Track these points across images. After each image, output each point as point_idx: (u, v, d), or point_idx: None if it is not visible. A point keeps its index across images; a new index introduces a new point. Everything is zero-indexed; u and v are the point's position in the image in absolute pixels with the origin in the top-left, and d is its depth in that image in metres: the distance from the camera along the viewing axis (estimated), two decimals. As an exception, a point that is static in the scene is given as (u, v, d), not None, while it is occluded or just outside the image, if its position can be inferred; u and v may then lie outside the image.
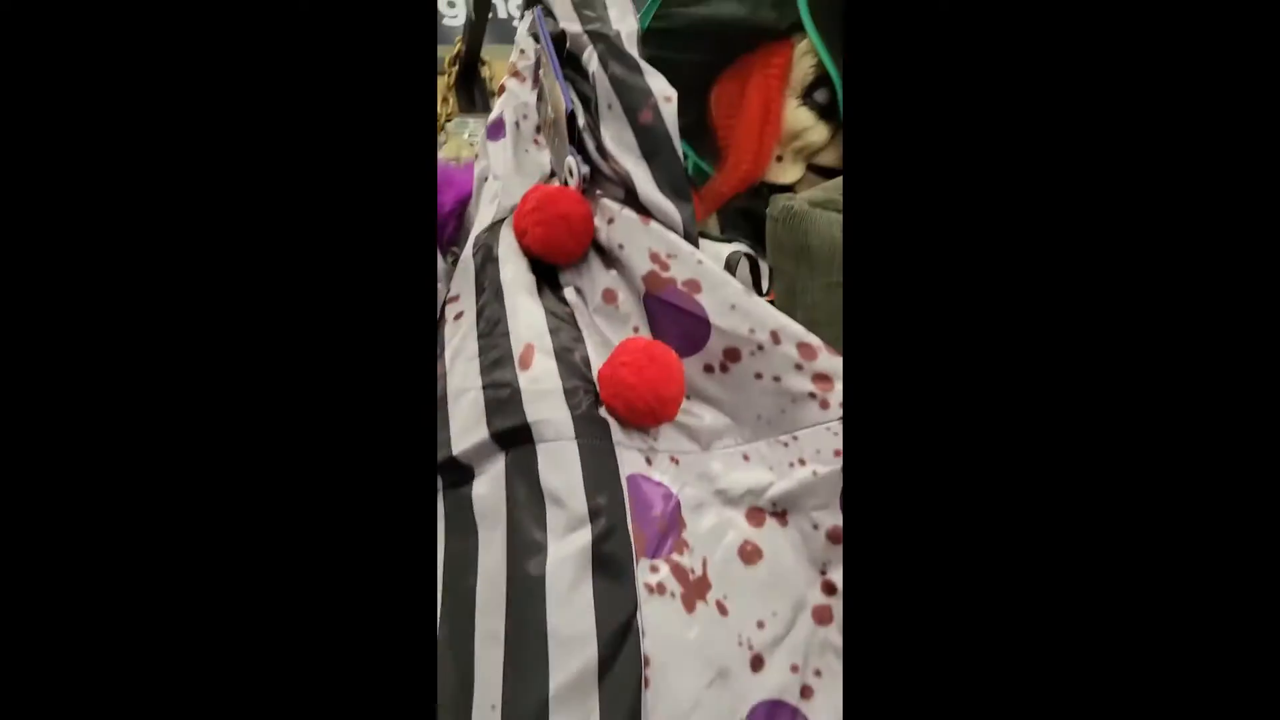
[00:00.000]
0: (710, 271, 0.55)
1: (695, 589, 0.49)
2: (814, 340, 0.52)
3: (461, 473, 0.52)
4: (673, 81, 0.59)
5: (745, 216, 0.76)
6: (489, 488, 0.50)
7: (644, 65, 0.60)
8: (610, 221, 0.60)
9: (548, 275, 0.61)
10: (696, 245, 0.58)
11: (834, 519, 0.51)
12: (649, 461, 0.52)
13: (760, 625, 0.49)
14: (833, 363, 0.52)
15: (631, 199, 0.59)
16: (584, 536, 0.47)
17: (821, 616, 0.50)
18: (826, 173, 0.77)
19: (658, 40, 0.73)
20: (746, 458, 0.54)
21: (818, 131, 0.75)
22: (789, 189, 0.78)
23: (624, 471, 0.50)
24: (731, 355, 0.54)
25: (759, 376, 0.53)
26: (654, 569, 0.48)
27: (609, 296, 0.59)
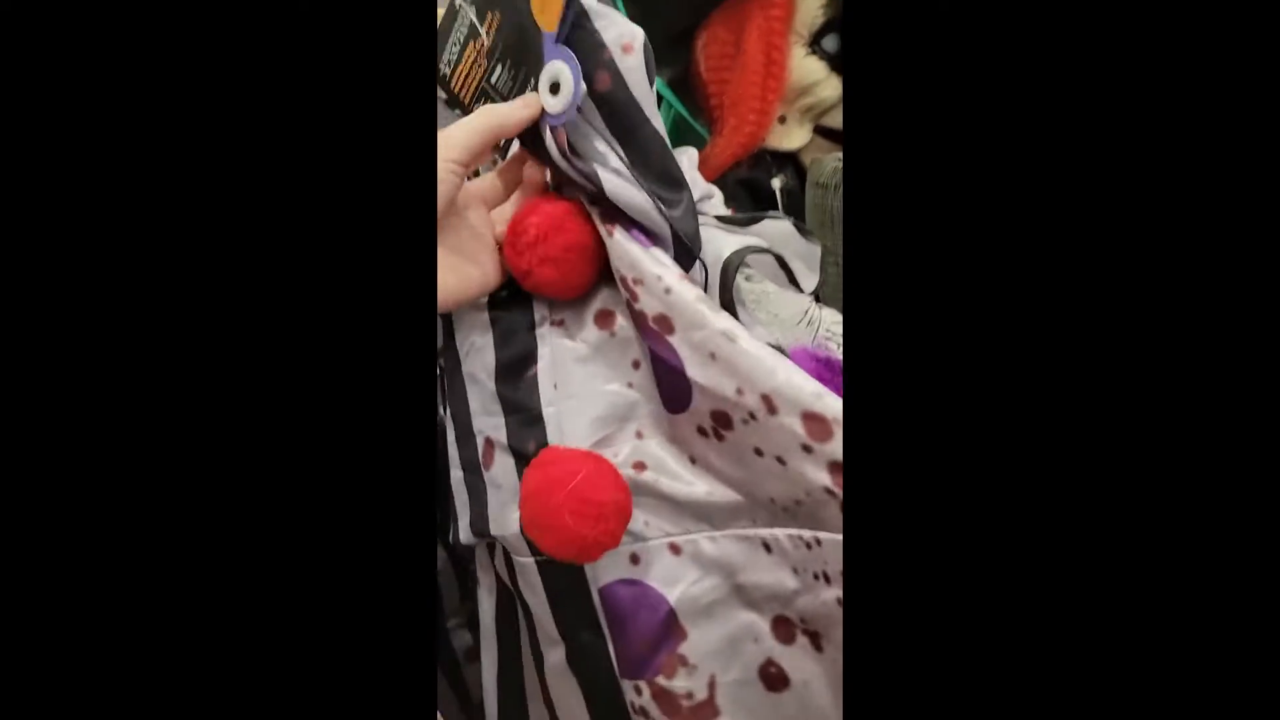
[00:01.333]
0: (682, 303, 0.40)
1: (693, 717, 0.42)
2: (828, 409, 0.36)
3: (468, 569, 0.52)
4: (647, 25, 0.44)
5: (747, 189, 0.65)
6: (486, 601, 0.51)
7: (595, 4, 0.42)
8: None
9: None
10: (693, 254, 0.43)
11: None
12: (635, 560, 0.42)
13: None
14: None
15: (602, 196, 0.43)
16: (558, 653, 0.46)
17: None
18: (837, 137, 0.65)
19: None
20: (768, 549, 0.41)
21: (830, 86, 0.64)
22: (792, 156, 0.67)
23: (598, 582, 0.43)
24: (721, 420, 0.40)
25: (759, 453, 0.39)
26: (637, 690, 0.43)
27: (604, 320, 0.45)
